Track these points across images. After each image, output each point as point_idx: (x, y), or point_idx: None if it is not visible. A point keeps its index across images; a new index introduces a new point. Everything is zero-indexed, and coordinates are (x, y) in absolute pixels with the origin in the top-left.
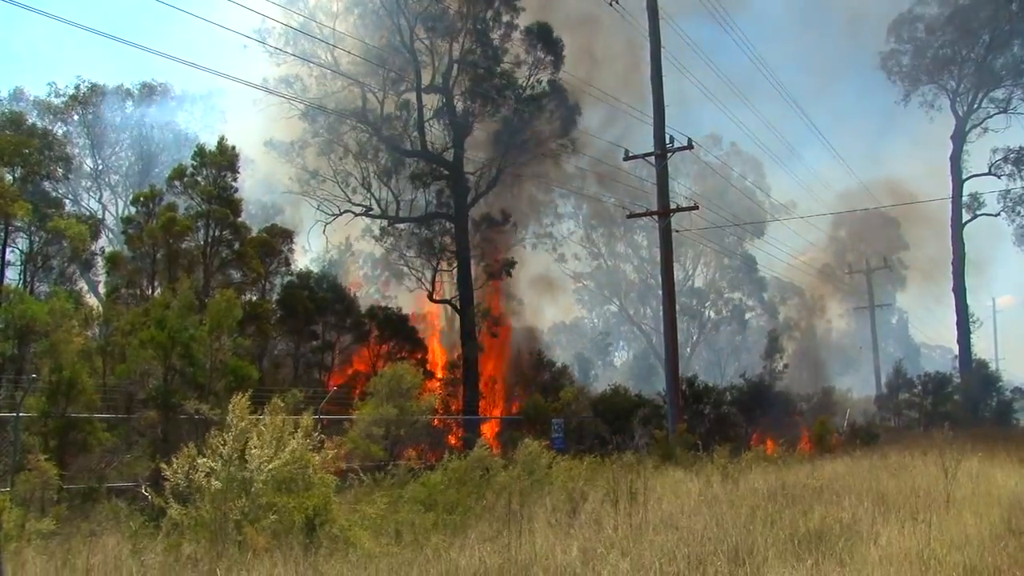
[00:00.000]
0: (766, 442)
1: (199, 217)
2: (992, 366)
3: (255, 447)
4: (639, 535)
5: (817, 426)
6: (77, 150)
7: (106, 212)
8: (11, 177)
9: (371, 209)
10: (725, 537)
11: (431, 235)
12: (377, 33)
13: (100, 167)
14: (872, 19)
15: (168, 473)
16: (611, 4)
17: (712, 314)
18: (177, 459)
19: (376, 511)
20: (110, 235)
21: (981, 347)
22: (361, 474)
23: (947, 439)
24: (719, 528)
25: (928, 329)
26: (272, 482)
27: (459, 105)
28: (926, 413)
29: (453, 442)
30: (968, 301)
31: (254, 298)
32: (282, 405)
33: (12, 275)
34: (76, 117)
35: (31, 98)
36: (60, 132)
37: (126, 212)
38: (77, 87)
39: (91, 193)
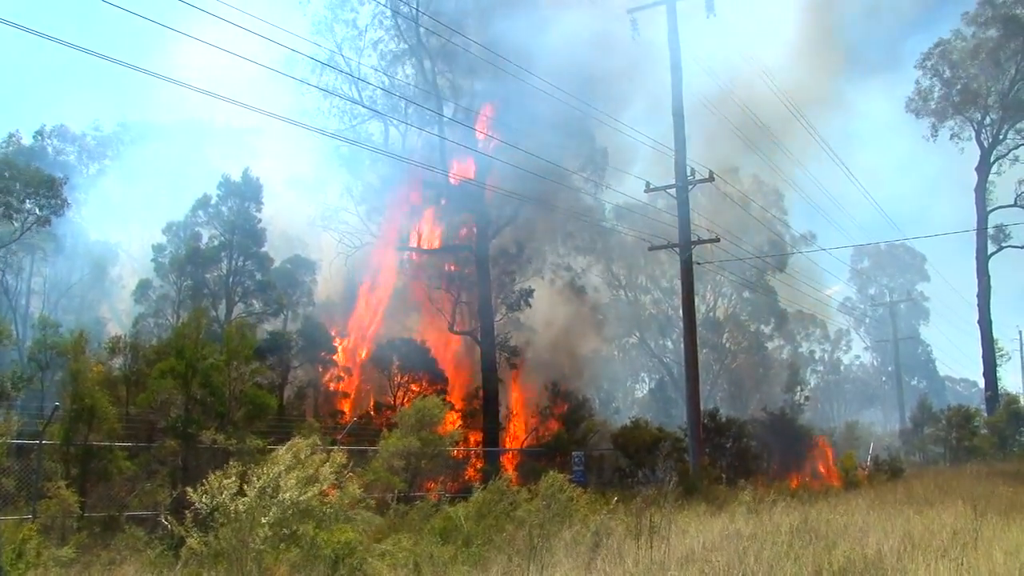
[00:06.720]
0: (789, 476)
1: (223, 248)
2: (1021, 400)
3: (290, 476)
4: (661, 571)
5: (843, 460)
6: (104, 180)
7: (132, 242)
8: (37, 210)
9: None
10: (748, 574)
11: (452, 266)
12: (400, 68)
13: (126, 198)
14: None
15: (193, 496)
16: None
17: (732, 346)
18: (206, 481)
19: (393, 546)
20: (135, 265)
21: (1009, 380)
22: (389, 502)
23: (974, 474)
24: (742, 564)
25: (953, 362)
26: (298, 514)
27: (480, 137)
28: (952, 448)
29: (472, 474)
30: (995, 334)
31: (274, 329)
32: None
33: (36, 303)
34: (104, 149)
35: (60, 132)
36: (88, 165)
37: (153, 242)
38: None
39: (118, 222)
